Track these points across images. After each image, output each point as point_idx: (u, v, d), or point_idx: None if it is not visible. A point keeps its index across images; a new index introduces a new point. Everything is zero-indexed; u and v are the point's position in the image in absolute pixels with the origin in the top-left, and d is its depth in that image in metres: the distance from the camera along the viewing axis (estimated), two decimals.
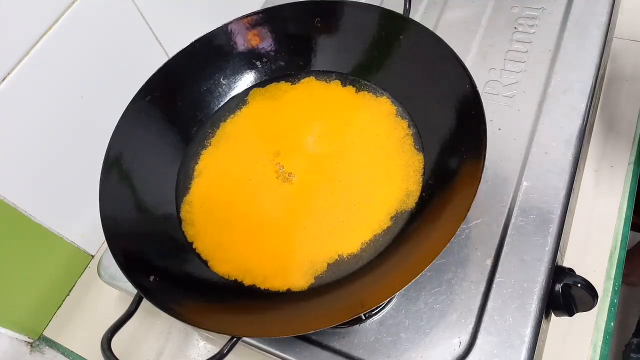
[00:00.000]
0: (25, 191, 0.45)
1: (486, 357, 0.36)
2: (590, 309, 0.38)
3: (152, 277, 0.37)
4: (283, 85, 0.49)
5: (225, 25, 0.48)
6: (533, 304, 0.37)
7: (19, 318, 0.48)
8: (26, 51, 0.41)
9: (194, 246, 0.41)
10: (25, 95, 0.42)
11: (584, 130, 0.44)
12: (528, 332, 0.36)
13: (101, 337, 0.34)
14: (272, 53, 0.50)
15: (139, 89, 0.45)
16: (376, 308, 0.39)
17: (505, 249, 0.40)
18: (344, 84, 0.48)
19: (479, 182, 0.33)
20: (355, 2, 0.47)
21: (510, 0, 0.55)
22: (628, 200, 0.49)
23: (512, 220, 0.41)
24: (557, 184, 0.42)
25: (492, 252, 0.40)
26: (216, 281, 0.40)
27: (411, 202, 0.40)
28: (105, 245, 0.40)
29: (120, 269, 0.36)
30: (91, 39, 0.46)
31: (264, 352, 0.40)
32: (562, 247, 0.41)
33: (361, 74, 0.48)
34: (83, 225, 0.52)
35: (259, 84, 0.50)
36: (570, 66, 0.48)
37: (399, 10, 0.46)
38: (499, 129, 0.46)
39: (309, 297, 0.37)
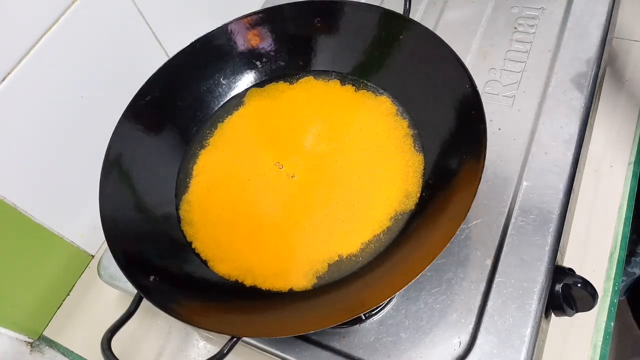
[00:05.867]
0: (25, 191, 0.45)
1: (486, 357, 0.36)
2: (590, 309, 0.38)
3: (152, 277, 0.37)
4: (281, 85, 0.49)
5: (225, 25, 0.48)
6: (533, 304, 0.37)
7: (19, 318, 0.48)
8: (26, 51, 0.41)
9: (193, 246, 0.41)
10: (25, 95, 0.42)
11: (584, 130, 0.44)
12: (528, 332, 0.36)
13: (101, 337, 0.34)
14: (272, 53, 0.50)
15: (139, 89, 0.45)
16: (376, 308, 0.39)
17: (505, 249, 0.40)
18: (343, 83, 0.48)
19: (479, 182, 0.33)
20: (355, 2, 0.47)
21: (510, 0, 0.55)
22: (628, 200, 0.49)
23: (512, 220, 0.41)
24: (557, 184, 0.42)
25: (492, 252, 0.40)
26: (216, 281, 0.40)
27: (411, 203, 0.40)
28: (105, 245, 0.40)
29: (120, 269, 0.36)
30: (91, 39, 0.46)
31: (264, 352, 0.40)
32: (562, 247, 0.41)
33: (361, 74, 0.48)
34: (83, 225, 0.52)
35: (259, 84, 0.50)
36: (570, 66, 0.48)
37: (399, 10, 0.46)
38: (499, 129, 0.46)
39: (309, 297, 0.37)
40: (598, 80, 0.48)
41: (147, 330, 0.48)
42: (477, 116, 0.37)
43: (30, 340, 0.50)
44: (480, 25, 0.54)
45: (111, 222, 0.39)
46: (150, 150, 0.45)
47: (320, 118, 0.46)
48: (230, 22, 0.48)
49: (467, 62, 0.51)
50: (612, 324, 0.43)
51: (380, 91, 0.46)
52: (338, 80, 0.48)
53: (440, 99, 0.41)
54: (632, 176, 0.50)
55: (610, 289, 0.45)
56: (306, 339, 0.39)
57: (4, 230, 0.44)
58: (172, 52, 0.47)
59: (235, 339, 0.33)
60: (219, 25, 0.48)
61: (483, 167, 0.34)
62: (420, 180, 0.41)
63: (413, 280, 0.31)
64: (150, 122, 0.45)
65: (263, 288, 0.39)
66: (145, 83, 0.45)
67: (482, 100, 0.37)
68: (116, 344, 0.34)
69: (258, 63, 0.50)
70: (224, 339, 0.33)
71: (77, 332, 0.50)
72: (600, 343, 0.42)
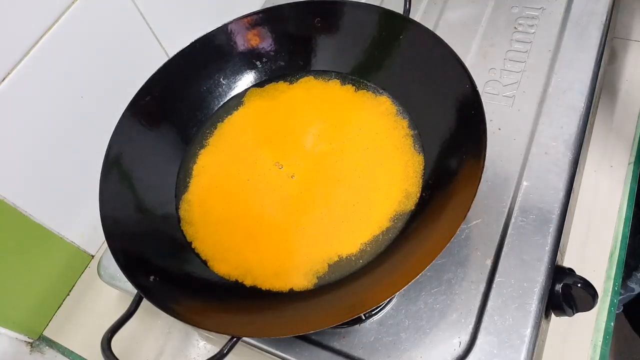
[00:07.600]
0: (25, 191, 0.45)
1: (486, 357, 0.36)
2: (590, 309, 0.38)
3: (152, 277, 0.37)
4: (281, 85, 0.49)
5: (225, 25, 0.48)
6: (533, 304, 0.37)
7: (19, 318, 0.48)
8: (26, 51, 0.41)
9: (193, 246, 0.41)
10: (25, 95, 0.42)
11: (584, 130, 0.44)
12: (528, 332, 0.36)
13: (101, 337, 0.34)
14: (272, 53, 0.50)
15: (139, 89, 0.45)
16: (376, 308, 0.39)
17: (505, 249, 0.40)
18: (343, 83, 0.48)
19: (479, 182, 0.33)
20: (355, 2, 0.47)
21: (510, 0, 0.55)
22: (628, 200, 0.49)
23: (512, 220, 0.41)
24: (557, 184, 0.42)
25: (492, 252, 0.40)
26: (216, 281, 0.40)
27: (411, 203, 0.40)
28: (105, 245, 0.40)
29: (120, 269, 0.36)
30: (91, 39, 0.46)
31: (264, 352, 0.40)
32: (562, 247, 0.41)
33: (361, 74, 0.48)
34: (83, 225, 0.52)
35: (259, 84, 0.50)
36: (570, 66, 0.48)
37: (399, 10, 0.46)
38: (499, 129, 0.46)
39: (309, 297, 0.37)
40: (598, 80, 0.48)
41: (147, 330, 0.48)
42: (477, 116, 0.37)
43: (30, 340, 0.50)
44: (480, 25, 0.54)
45: (111, 222, 0.39)
46: (150, 150, 0.45)
47: (320, 118, 0.46)
48: (230, 22, 0.48)
49: (467, 62, 0.51)
50: (612, 324, 0.43)
51: (380, 91, 0.46)
52: (338, 80, 0.48)
53: (440, 99, 0.41)
54: (632, 176, 0.50)
55: (610, 289, 0.45)
56: (306, 339, 0.39)
57: (4, 230, 0.44)
58: (172, 52, 0.47)
59: (235, 339, 0.33)
60: (219, 25, 0.48)
61: (483, 167, 0.34)
62: (420, 181, 0.41)
63: (413, 281, 0.31)
64: (150, 122, 0.45)
65: (263, 288, 0.39)
66: (145, 83, 0.45)
67: (482, 100, 0.37)
68: (116, 344, 0.34)
69: (258, 63, 0.50)
70: (224, 339, 0.33)
71: (77, 332, 0.50)
72: (600, 343, 0.42)
